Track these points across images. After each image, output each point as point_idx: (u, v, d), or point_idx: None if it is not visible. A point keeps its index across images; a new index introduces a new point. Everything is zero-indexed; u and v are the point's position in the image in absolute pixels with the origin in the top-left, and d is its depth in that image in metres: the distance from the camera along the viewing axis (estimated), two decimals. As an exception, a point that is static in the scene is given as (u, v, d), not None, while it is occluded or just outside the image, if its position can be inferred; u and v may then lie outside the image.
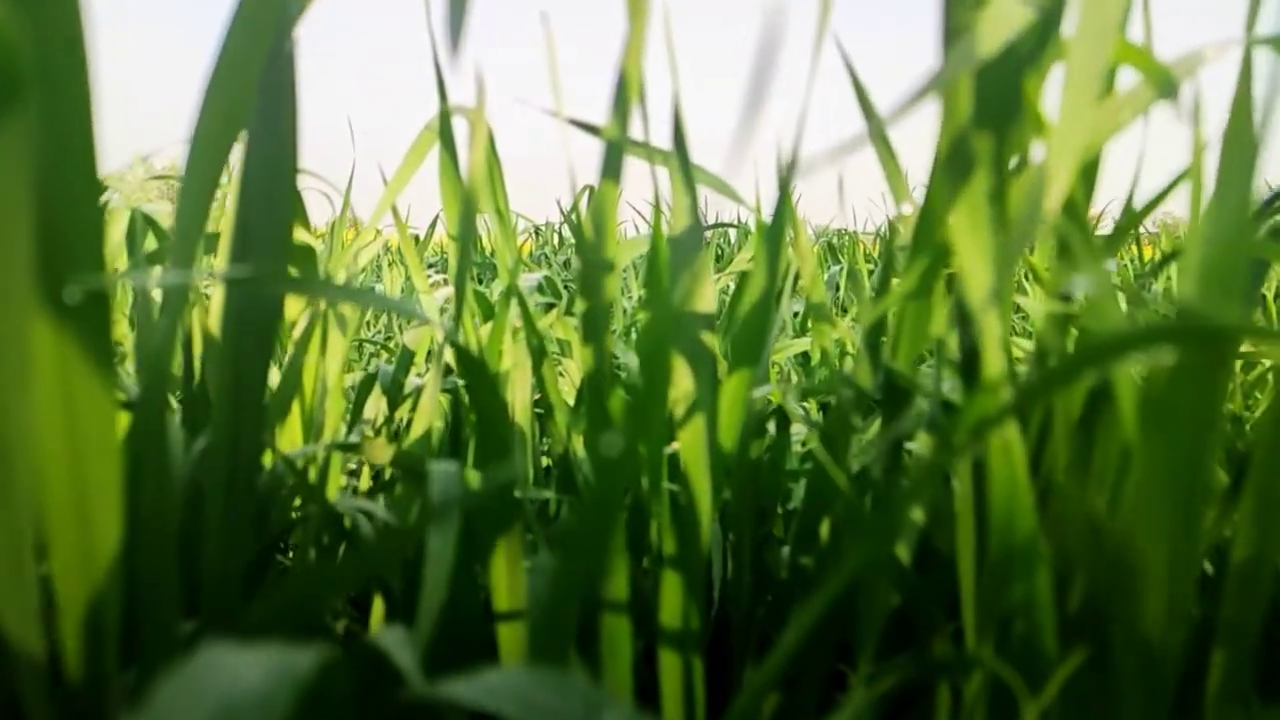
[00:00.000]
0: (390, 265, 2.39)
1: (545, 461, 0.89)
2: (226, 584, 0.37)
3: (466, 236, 0.46)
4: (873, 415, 0.58)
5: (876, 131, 0.50)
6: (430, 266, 2.68)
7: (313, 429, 0.58)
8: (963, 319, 0.40)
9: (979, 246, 0.31)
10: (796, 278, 0.72)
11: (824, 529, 0.50)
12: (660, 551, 0.56)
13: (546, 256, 2.99)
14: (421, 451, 0.62)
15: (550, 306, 0.97)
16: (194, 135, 0.33)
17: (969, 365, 0.40)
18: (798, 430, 0.70)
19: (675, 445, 0.66)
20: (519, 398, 0.72)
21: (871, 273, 2.47)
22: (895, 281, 0.52)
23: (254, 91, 0.35)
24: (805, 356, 1.24)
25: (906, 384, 0.46)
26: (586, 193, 1.77)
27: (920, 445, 0.45)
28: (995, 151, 0.31)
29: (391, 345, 1.51)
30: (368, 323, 2.10)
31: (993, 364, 0.32)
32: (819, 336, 0.50)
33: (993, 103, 0.30)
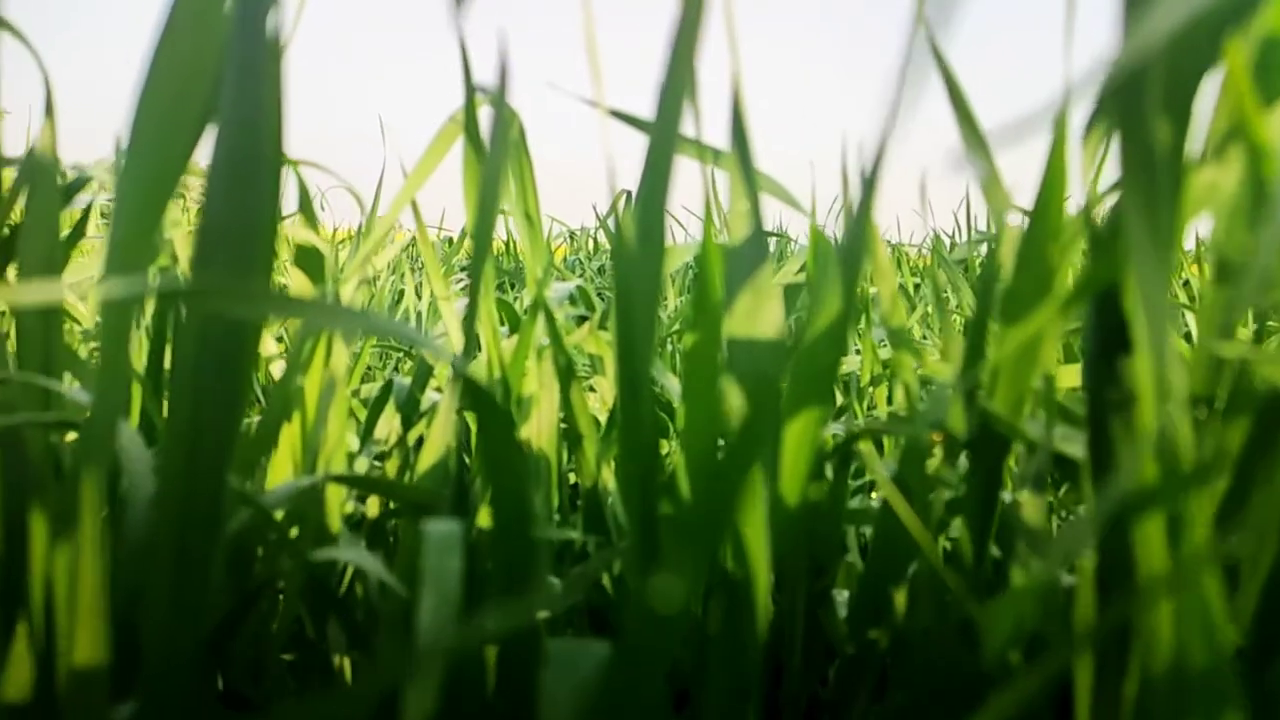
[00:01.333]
0: (416, 269, 2.34)
1: (572, 478, 0.82)
2: (172, 662, 0.31)
3: (485, 233, 0.39)
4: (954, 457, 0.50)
5: (972, 134, 0.43)
6: (463, 270, 2.63)
7: (310, 455, 0.51)
8: (1097, 360, 0.32)
9: (1159, 272, 0.23)
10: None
11: (899, 597, 0.42)
12: (700, 621, 0.48)
13: (581, 262, 2.92)
14: (431, 482, 0.55)
15: (583, 319, 0.90)
16: (136, 117, 0.27)
17: (1100, 418, 0.32)
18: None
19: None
20: (544, 421, 0.64)
21: (917, 288, 2.36)
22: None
23: (219, 64, 0.28)
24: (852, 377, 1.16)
25: (1008, 430, 0.39)
26: (625, 197, 1.70)
27: (1025, 504, 0.37)
28: (1174, 144, 0.23)
29: (415, 352, 1.44)
30: (396, 326, 2.04)
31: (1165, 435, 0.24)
32: (898, 368, 0.43)
33: (1181, 81, 0.23)
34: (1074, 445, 0.37)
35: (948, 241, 2.63)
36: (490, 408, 0.32)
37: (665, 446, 0.86)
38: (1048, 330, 0.38)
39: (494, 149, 0.36)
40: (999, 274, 0.39)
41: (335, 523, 0.56)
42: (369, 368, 1.42)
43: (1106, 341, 0.32)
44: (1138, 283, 0.23)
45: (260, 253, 0.31)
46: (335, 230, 2.31)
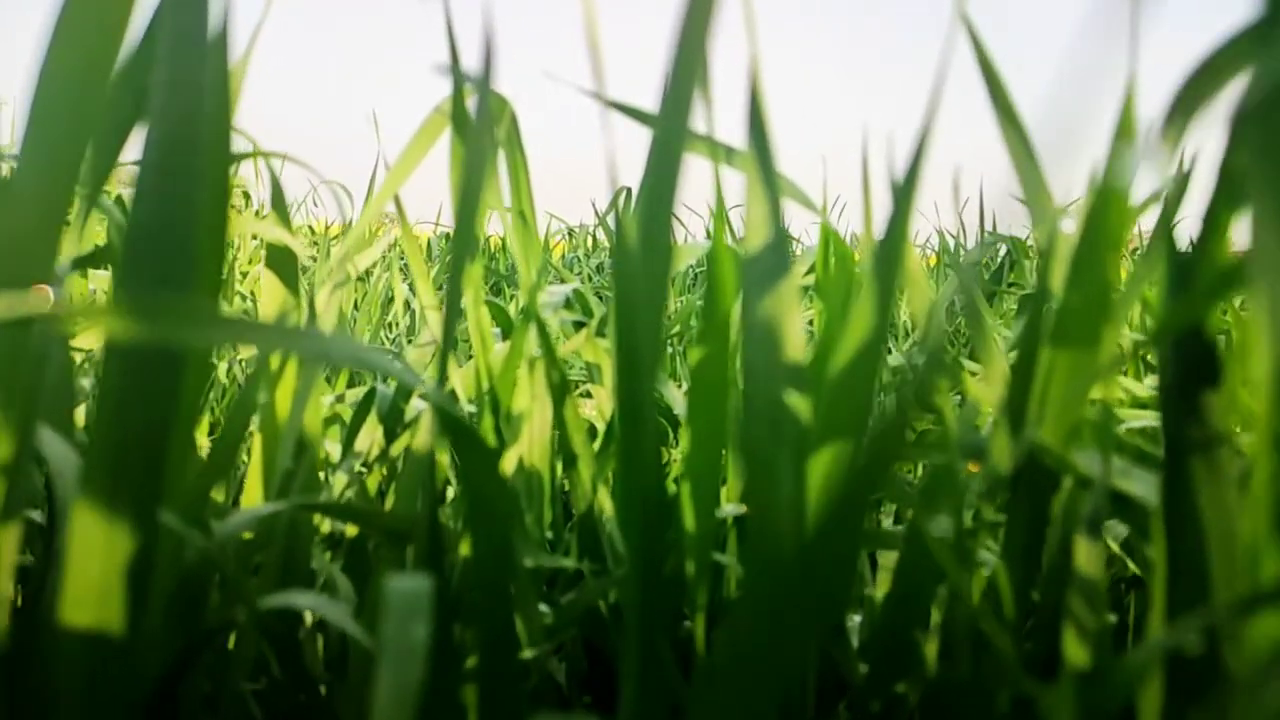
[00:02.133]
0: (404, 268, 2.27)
1: (566, 484, 0.78)
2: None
3: (467, 225, 0.34)
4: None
5: (1016, 137, 0.39)
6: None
7: (280, 474, 0.47)
8: (1176, 393, 0.27)
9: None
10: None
11: (929, 650, 0.38)
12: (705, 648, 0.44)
13: (579, 260, 2.87)
14: (412, 504, 0.51)
15: (579, 325, 0.86)
16: (32, 104, 0.22)
17: (1179, 458, 0.28)
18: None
19: (729, 509, 0.54)
20: (537, 437, 0.60)
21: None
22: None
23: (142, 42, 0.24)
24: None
25: (1058, 464, 0.34)
26: (624, 195, 1.65)
27: (1081, 551, 0.33)
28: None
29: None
30: (390, 323, 1.99)
31: None
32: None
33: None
34: (1138, 484, 0.32)
35: (951, 243, 2.58)
36: (470, 442, 0.28)
37: (665, 455, 0.82)
38: (1105, 353, 0.33)
39: (478, 125, 0.32)
40: (1049, 289, 0.35)
41: (307, 548, 0.51)
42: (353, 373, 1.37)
43: (1188, 372, 0.27)
44: (1268, 310, 0.19)
45: (200, 262, 0.26)
46: (328, 227, 2.26)
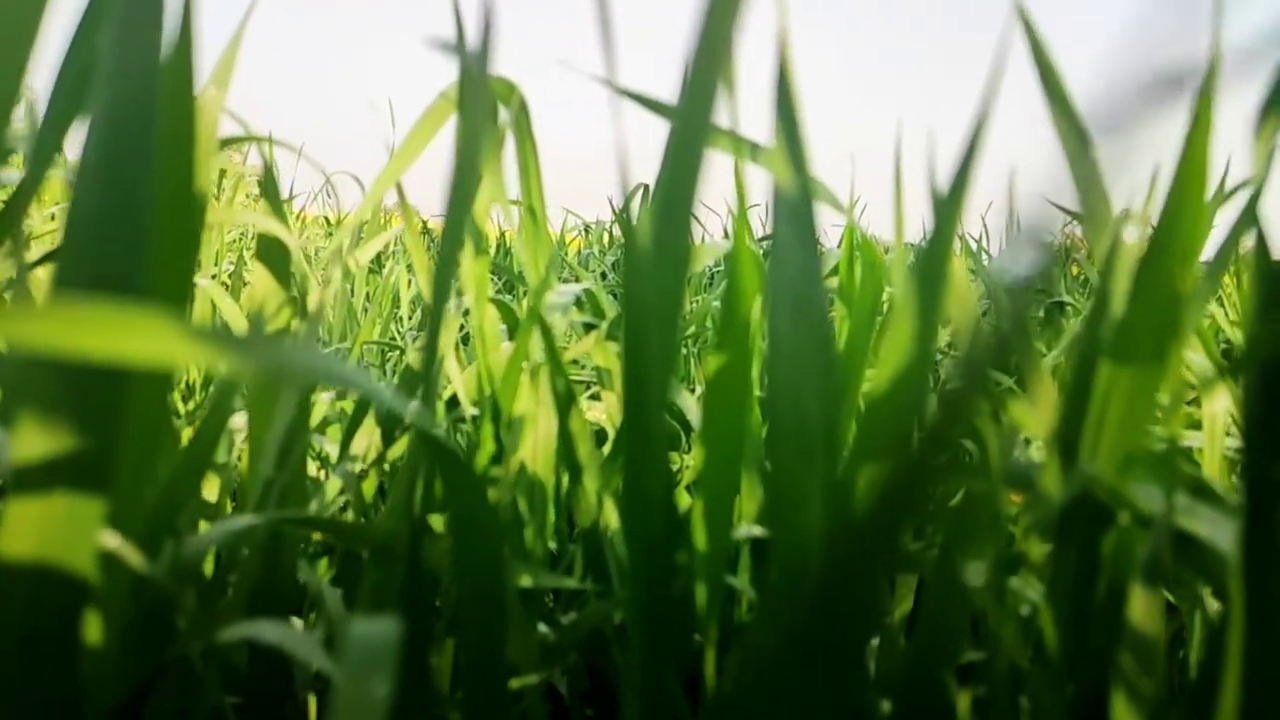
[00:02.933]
0: (431, 255, 2.24)
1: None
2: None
3: (460, 210, 0.31)
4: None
5: (1071, 133, 0.35)
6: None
7: (257, 487, 0.44)
8: (1261, 426, 0.24)
9: None
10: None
11: (962, 703, 0.34)
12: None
13: (595, 256, 2.83)
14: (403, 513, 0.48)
15: (590, 327, 0.82)
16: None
17: (1263, 501, 0.24)
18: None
19: (745, 531, 0.51)
20: (540, 445, 0.57)
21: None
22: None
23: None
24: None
25: (1112, 499, 0.31)
26: (640, 191, 1.61)
27: (1137, 602, 0.29)
28: None
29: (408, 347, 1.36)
30: (400, 317, 1.97)
31: None
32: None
33: None
34: (1206, 525, 0.29)
35: (974, 246, 2.53)
36: (456, 467, 0.25)
37: (677, 460, 0.78)
38: (1171, 376, 0.30)
39: (475, 98, 0.29)
40: (1109, 303, 0.31)
41: (293, 558, 0.48)
42: (368, 365, 1.34)
43: (1277, 402, 0.24)
44: None
45: (157, 261, 0.23)
46: (341, 218, 2.24)
